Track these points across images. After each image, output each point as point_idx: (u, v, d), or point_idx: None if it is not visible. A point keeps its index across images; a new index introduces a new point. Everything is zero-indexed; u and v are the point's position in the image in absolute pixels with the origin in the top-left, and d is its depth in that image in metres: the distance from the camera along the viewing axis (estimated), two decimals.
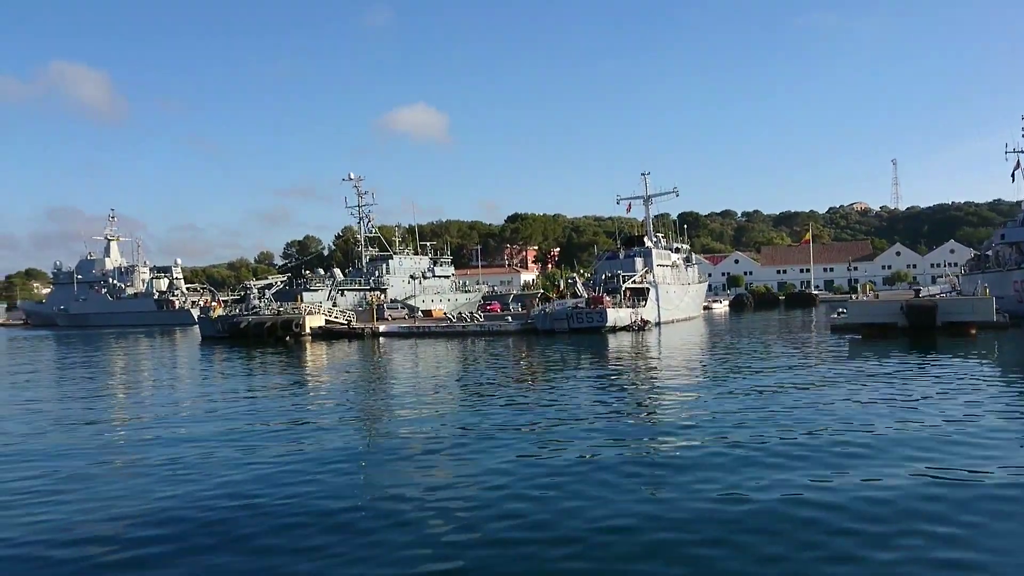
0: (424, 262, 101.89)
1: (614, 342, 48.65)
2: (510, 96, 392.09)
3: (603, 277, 67.40)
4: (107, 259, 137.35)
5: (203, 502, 13.38)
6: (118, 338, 78.86)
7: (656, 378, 29.21)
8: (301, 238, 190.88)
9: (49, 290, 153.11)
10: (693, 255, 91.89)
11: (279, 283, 79.24)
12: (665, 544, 10.45)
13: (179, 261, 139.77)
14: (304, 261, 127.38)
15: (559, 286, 76.57)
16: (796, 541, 10.38)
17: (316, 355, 46.81)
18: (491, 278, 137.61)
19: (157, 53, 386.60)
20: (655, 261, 71.07)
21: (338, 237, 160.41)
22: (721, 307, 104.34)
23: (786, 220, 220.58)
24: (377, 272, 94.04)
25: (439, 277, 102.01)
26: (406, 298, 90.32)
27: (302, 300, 75.12)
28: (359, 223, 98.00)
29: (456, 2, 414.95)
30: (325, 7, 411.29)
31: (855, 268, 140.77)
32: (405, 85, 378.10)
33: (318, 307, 70.74)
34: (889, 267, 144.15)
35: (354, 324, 66.67)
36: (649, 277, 67.99)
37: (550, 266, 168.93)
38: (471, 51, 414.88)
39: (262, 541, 11.29)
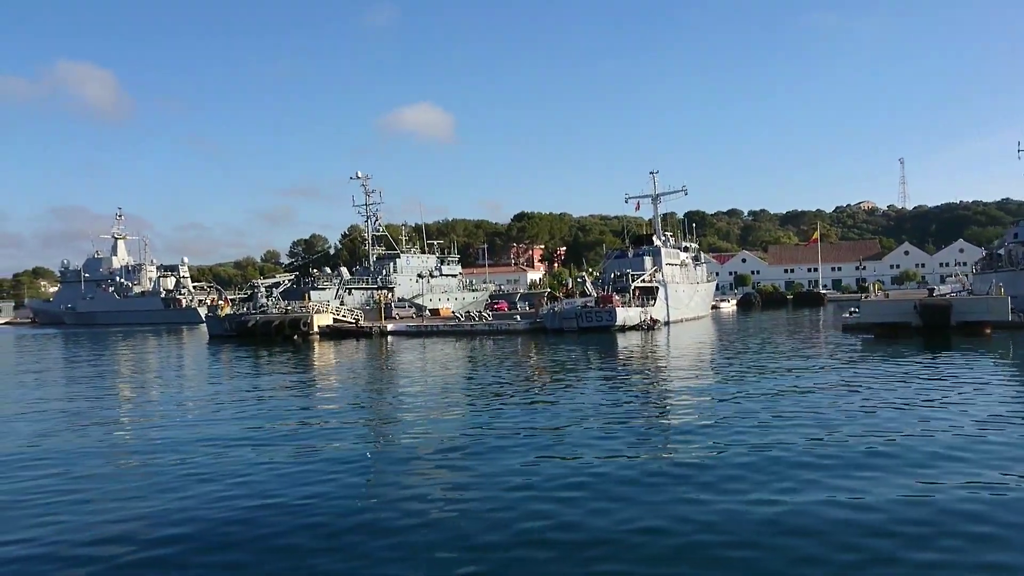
0: (431, 261, 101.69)
1: (624, 341, 48.38)
2: (514, 95, 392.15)
3: (612, 276, 67.05)
4: (114, 258, 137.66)
5: (221, 503, 13.20)
6: (125, 337, 78.86)
7: (671, 378, 28.91)
8: (307, 237, 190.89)
9: (56, 288, 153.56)
10: (702, 254, 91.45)
11: (286, 282, 79.15)
12: (698, 546, 10.21)
13: (186, 260, 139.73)
14: (311, 260, 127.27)
15: (568, 285, 76.31)
16: (833, 543, 10.12)
17: (325, 354, 46.66)
18: (497, 277, 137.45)
19: (160, 52, 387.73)
20: (664, 260, 70.72)
21: (344, 236, 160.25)
22: (729, 306, 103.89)
23: (793, 219, 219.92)
24: (384, 271, 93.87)
25: (446, 276, 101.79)
26: (413, 297, 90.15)
27: (309, 299, 74.94)
28: (366, 221, 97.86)
29: (459, 1, 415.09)
30: (327, 6, 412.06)
31: (863, 267, 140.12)
32: (408, 85, 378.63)
33: (326, 306, 70.57)
34: (897, 266, 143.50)
35: (362, 323, 66.52)
36: (658, 276, 67.67)
37: (556, 265, 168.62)
38: (474, 50, 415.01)
39: (285, 540, 11.10)
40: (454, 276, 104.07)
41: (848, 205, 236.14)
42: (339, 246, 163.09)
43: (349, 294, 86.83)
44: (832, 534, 10.46)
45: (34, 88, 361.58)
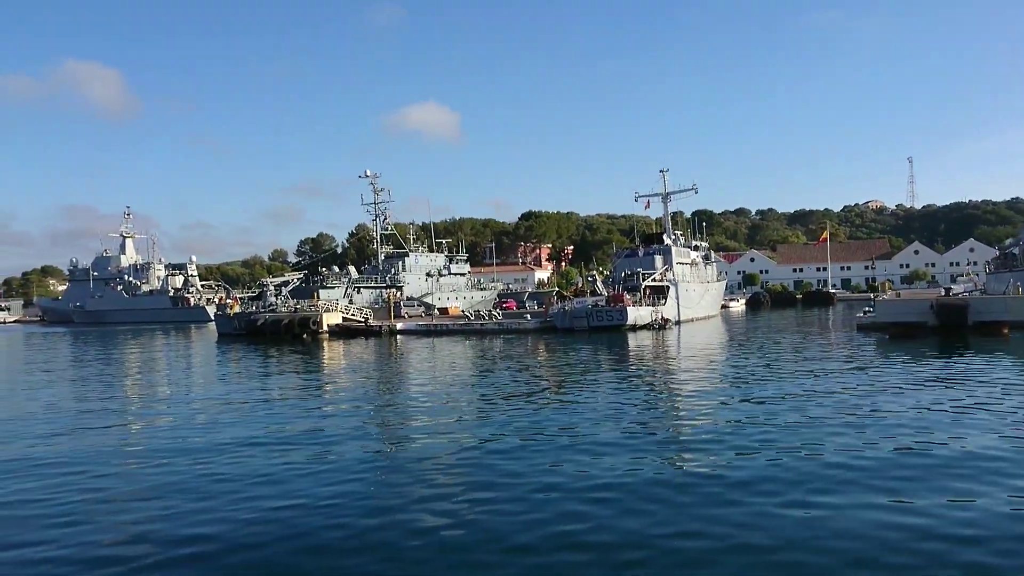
0: (440, 260, 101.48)
1: (636, 341, 48.06)
2: (519, 94, 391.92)
3: (622, 275, 66.70)
4: (122, 256, 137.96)
5: (244, 503, 13.04)
6: (134, 335, 78.87)
7: (690, 379, 28.48)
8: (314, 236, 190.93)
9: (65, 287, 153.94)
10: (711, 253, 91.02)
11: (295, 281, 79.08)
12: (736, 549, 9.95)
13: (194, 258, 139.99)
14: (319, 259, 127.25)
15: (578, 284, 76.02)
16: (875, 547, 9.85)
17: (335, 353, 46.50)
18: (505, 276, 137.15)
19: (166, 52, 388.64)
20: (674, 259, 70.34)
21: (352, 235, 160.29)
22: (738, 306, 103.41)
23: (800, 218, 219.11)
24: (393, 270, 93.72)
25: (455, 275, 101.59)
26: (422, 296, 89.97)
27: (318, 298, 74.89)
28: (375, 220, 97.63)
29: (463, 1, 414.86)
30: (332, 6, 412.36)
31: (873, 267, 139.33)
32: (413, 84, 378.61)
33: (335, 305, 70.44)
34: (907, 266, 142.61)
35: (371, 322, 66.37)
36: (669, 275, 67.33)
37: (564, 264, 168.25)
38: (479, 49, 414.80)
39: (311, 541, 10.91)
40: (463, 275, 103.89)
41: (856, 204, 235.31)
42: (346, 245, 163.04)
43: (358, 293, 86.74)
44: (873, 538, 10.19)
45: (41, 87, 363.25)
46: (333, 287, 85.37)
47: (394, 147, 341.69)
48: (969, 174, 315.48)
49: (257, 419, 21.86)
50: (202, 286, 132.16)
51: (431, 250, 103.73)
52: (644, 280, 63.75)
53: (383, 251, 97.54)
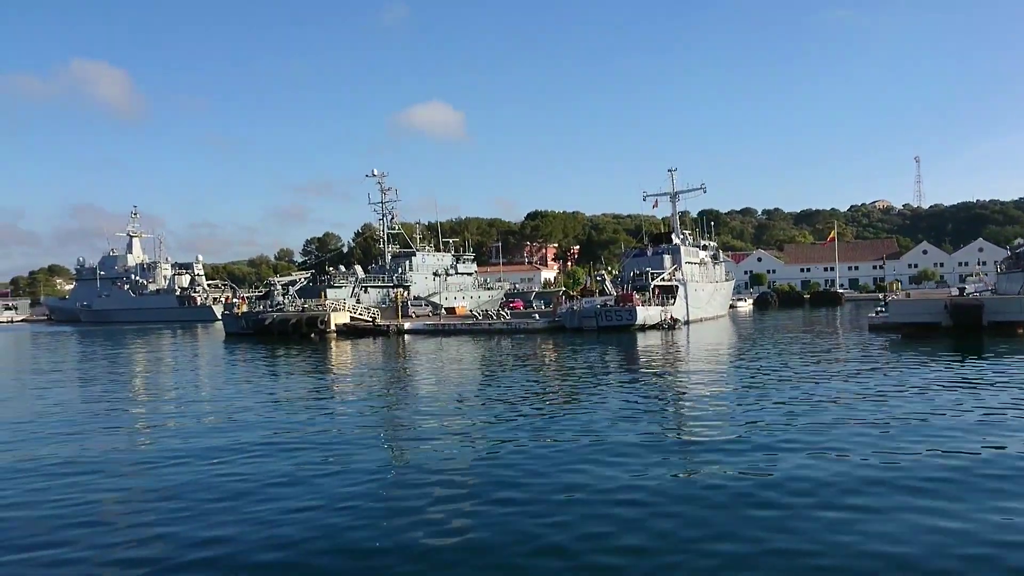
0: (447, 259, 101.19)
1: (646, 341, 47.75)
2: (524, 94, 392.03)
3: (631, 274, 66.40)
4: (129, 255, 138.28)
5: (261, 503, 12.84)
6: (141, 335, 78.87)
7: (705, 380, 27.97)
8: (320, 235, 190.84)
9: (72, 286, 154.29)
10: (720, 252, 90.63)
11: (303, 280, 78.93)
12: (777, 553, 9.70)
13: (200, 258, 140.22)
14: (325, 259, 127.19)
15: (587, 283, 75.71)
16: (918, 546, 9.57)
17: (344, 353, 46.27)
18: (511, 275, 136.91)
19: (172, 51, 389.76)
20: (683, 258, 69.99)
21: (358, 234, 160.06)
22: (745, 306, 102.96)
23: (807, 218, 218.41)
24: (400, 269, 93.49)
25: (462, 274, 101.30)
26: (429, 295, 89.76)
27: (325, 297, 74.74)
28: (382, 219, 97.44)
29: (469, 0, 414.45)
30: (338, 5, 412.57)
31: (881, 267, 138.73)
32: (420, 83, 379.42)
33: (342, 304, 70.29)
34: (915, 266, 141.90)
35: (379, 321, 66.19)
36: (678, 275, 66.99)
37: (570, 264, 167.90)
38: (485, 49, 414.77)
39: (335, 542, 10.69)
40: (469, 274, 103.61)
41: (863, 204, 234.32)
42: (352, 244, 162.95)
43: (365, 292, 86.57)
44: (914, 541, 9.92)
45: (48, 87, 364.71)
46: (340, 286, 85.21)
47: (399, 147, 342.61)
48: (976, 174, 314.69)
49: (271, 420, 21.68)
50: (208, 285, 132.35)
51: (438, 249, 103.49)
52: (653, 280, 63.45)
53: (390, 250, 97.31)
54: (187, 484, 14.34)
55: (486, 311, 74.83)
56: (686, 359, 36.30)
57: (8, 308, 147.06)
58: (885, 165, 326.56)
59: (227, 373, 36.64)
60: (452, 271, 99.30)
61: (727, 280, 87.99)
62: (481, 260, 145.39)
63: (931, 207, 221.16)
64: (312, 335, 61.63)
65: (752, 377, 28.02)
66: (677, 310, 62.03)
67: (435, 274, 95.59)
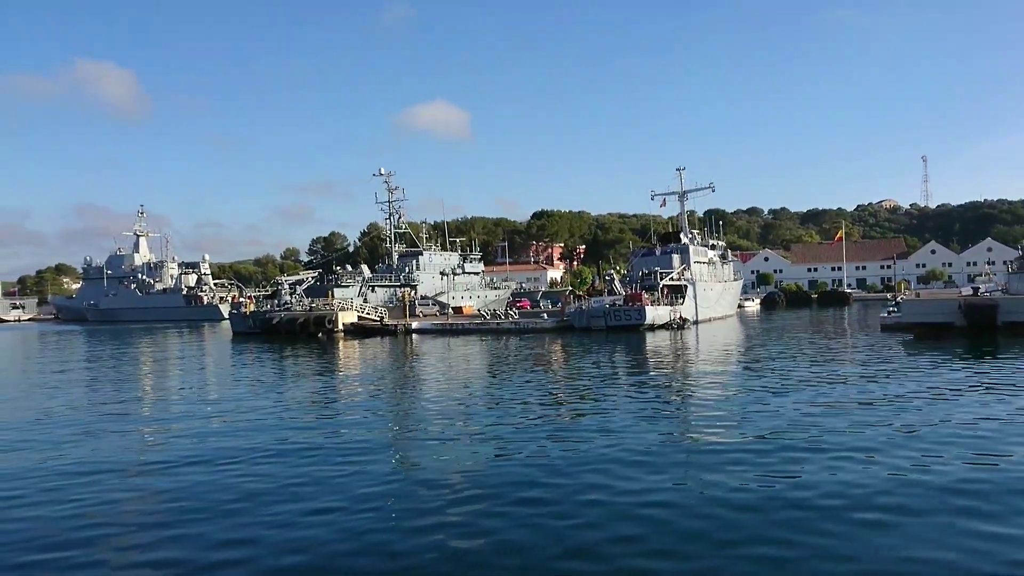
0: (454, 258, 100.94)
1: (656, 341, 47.47)
2: (529, 93, 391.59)
3: (640, 274, 66.12)
4: (136, 255, 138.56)
5: (278, 504, 12.65)
6: (148, 334, 78.92)
7: (720, 382, 27.52)
8: (325, 235, 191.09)
9: (79, 285, 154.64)
10: (728, 252, 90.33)
11: (310, 279, 78.85)
12: (818, 557, 9.49)
13: (207, 257, 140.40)
14: (332, 258, 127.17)
15: (595, 283, 75.46)
16: (961, 552, 9.34)
17: (353, 353, 46.10)
18: (517, 275, 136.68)
19: (176, 51, 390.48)
20: (692, 258, 69.70)
21: (364, 234, 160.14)
22: (753, 305, 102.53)
23: (813, 218, 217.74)
24: (407, 268, 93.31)
25: (469, 274, 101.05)
26: (436, 294, 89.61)
27: (332, 296, 74.66)
28: (388, 218, 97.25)
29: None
30: (342, 4, 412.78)
31: (888, 267, 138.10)
32: (424, 82, 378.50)
33: (350, 303, 70.18)
34: (923, 265, 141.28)
35: (387, 321, 66.05)
36: (687, 274, 66.70)
37: (575, 263, 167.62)
38: (489, 48, 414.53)
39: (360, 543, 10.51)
40: (476, 274, 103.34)
41: (870, 204, 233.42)
42: (358, 244, 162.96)
43: (372, 291, 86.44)
44: (956, 547, 9.69)
45: (54, 87, 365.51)
46: (347, 286, 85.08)
47: (404, 146, 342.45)
48: (984, 173, 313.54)
49: (285, 421, 21.53)
50: (215, 285, 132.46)
51: (444, 249, 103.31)
52: (662, 279, 63.19)
53: (397, 250, 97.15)
54: (203, 484, 14.21)
55: (494, 311, 74.64)
56: (699, 360, 36.01)
57: (15, 307, 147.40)
58: (890, 164, 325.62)
59: (237, 373, 36.46)
60: (459, 271, 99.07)
61: (735, 280, 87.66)
62: (487, 260, 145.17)
63: (938, 206, 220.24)
64: (320, 335, 61.53)
65: (769, 378, 27.62)
66: (686, 310, 61.75)
67: (442, 274, 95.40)
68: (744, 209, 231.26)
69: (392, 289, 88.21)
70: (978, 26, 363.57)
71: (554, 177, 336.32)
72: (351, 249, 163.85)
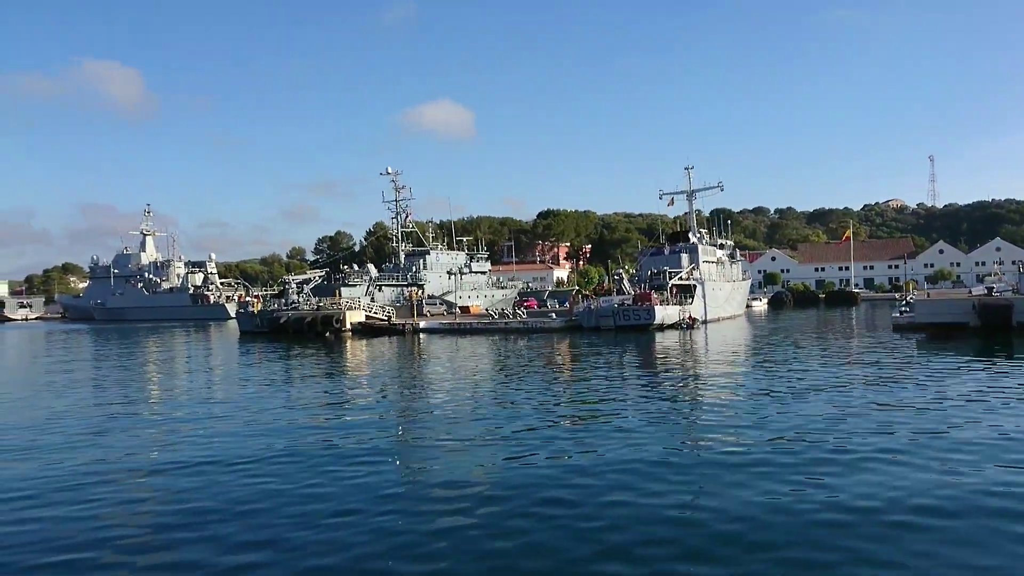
0: (461, 258, 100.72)
1: (666, 341, 47.21)
2: (534, 92, 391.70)
3: (648, 273, 65.85)
4: (143, 254, 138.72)
5: (294, 506, 12.50)
6: (155, 333, 78.90)
7: (738, 384, 27.07)
8: (331, 234, 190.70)
9: (86, 284, 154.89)
10: (737, 251, 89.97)
11: (317, 278, 78.74)
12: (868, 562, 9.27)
13: (213, 256, 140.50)
14: (338, 257, 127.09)
15: (604, 282, 75.23)
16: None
17: (362, 353, 45.92)
18: (523, 274, 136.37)
19: (182, 51, 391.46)
20: (701, 257, 69.37)
21: (370, 233, 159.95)
22: (760, 305, 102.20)
23: (820, 217, 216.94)
24: (414, 268, 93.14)
25: (476, 273, 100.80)
26: (443, 294, 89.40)
27: (340, 296, 74.56)
28: (395, 217, 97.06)
29: None
30: (346, 4, 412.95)
31: (896, 267, 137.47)
32: (428, 81, 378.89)
33: (357, 303, 70.05)
34: (932, 265, 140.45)
35: (394, 320, 65.91)
36: (695, 274, 66.41)
37: (581, 263, 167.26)
38: (494, 47, 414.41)
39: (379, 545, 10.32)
40: (483, 273, 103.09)
41: (876, 203, 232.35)
42: (364, 243, 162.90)
43: (379, 291, 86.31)
44: (1002, 554, 9.45)
45: (60, 86, 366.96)
46: (354, 285, 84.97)
47: (409, 145, 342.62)
48: (992, 172, 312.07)
49: (298, 422, 21.37)
50: (221, 284, 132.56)
51: (451, 248, 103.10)
52: (671, 279, 62.90)
53: (404, 249, 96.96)
54: (220, 485, 14.09)
55: (502, 310, 74.44)
56: (713, 360, 35.66)
57: (22, 306, 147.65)
58: (896, 164, 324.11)
59: (248, 373, 36.31)
60: (466, 270, 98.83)
61: (743, 279, 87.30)
62: (493, 259, 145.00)
63: (945, 206, 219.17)
64: (327, 334, 61.42)
65: (786, 380, 27.18)
66: (695, 309, 61.48)
67: (449, 273, 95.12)
68: (750, 209, 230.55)
69: (399, 288, 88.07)
70: (980, 25, 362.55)
71: (559, 176, 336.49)
72: (357, 248, 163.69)
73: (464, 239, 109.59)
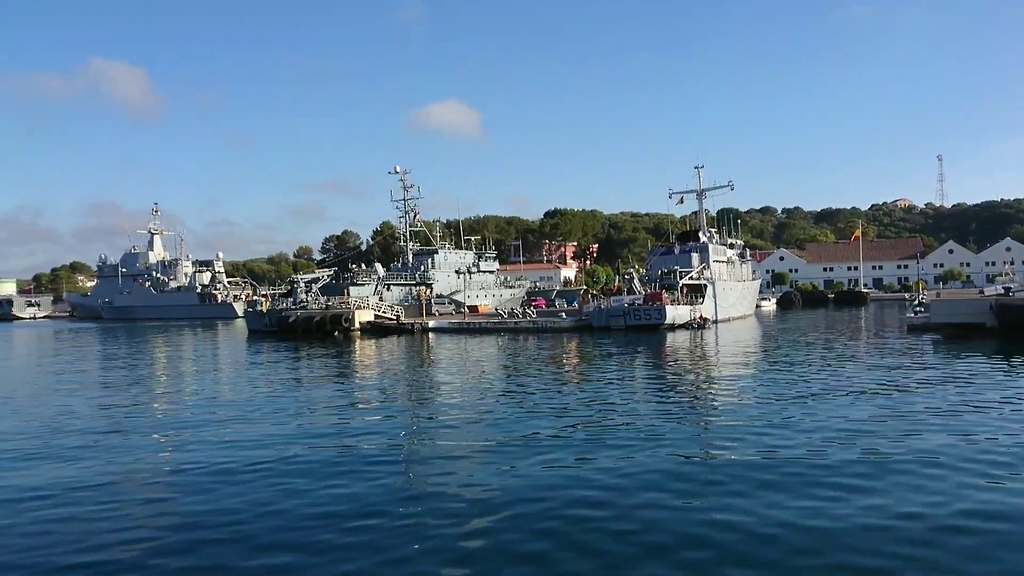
0: (469, 257, 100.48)
1: (677, 341, 46.90)
2: (539, 93, 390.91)
3: (659, 273, 65.51)
4: (150, 253, 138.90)
5: (313, 507, 12.27)
6: (164, 332, 78.88)
7: (758, 386, 26.55)
8: (338, 233, 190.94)
9: (93, 283, 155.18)
10: (746, 251, 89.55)
11: (325, 278, 78.63)
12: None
13: (221, 255, 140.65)
14: (346, 257, 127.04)
15: (615, 282, 74.94)
16: None
17: (372, 353, 45.68)
18: (531, 274, 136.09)
19: (189, 50, 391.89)
20: (711, 257, 69.01)
21: (377, 232, 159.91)
22: (769, 305, 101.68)
23: (827, 217, 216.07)
24: (423, 267, 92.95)
25: (484, 272, 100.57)
26: (451, 293, 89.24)
27: (348, 295, 74.42)
28: (404, 216, 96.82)
29: None
30: (352, 5, 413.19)
31: (906, 267, 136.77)
32: (435, 82, 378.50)
33: (366, 302, 69.91)
34: (941, 265, 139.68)
35: (403, 320, 65.76)
36: (706, 273, 66.05)
37: (588, 263, 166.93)
38: (500, 47, 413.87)
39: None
40: (491, 272, 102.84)
41: (884, 203, 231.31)
42: (371, 242, 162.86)
43: (388, 290, 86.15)
44: None
45: (68, 86, 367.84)
46: (363, 284, 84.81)
47: (415, 145, 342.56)
48: (1000, 172, 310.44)
49: (317, 425, 21.06)
50: (229, 283, 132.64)
51: (458, 247, 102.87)
52: (681, 278, 62.56)
53: (412, 248, 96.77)
54: (237, 487, 13.88)
55: (511, 309, 74.21)
56: (729, 362, 34.91)
57: (31, 305, 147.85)
58: (903, 164, 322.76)
59: (261, 374, 35.85)
60: (474, 269, 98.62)
61: (753, 279, 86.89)
62: (500, 258, 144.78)
63: (954, 206, 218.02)
64: (336, 333, 61.30)
65: (805, 382, 26.44)
66: (705, 309, 61.14)
67: (457, 272, 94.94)
68: (757, 208, 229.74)
69: (407, 288, 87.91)
70: (988, 25, 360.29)
71: (565, 176, 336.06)
72: (364, 248, 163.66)
73: (472, 238, 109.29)
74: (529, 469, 14.54)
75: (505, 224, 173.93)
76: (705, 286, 63.94)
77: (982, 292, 61.12)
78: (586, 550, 9.98)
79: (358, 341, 55.27)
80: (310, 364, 39.39)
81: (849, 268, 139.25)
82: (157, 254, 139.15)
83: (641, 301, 58.17)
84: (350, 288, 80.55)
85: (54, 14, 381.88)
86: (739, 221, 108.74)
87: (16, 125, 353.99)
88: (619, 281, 71.33)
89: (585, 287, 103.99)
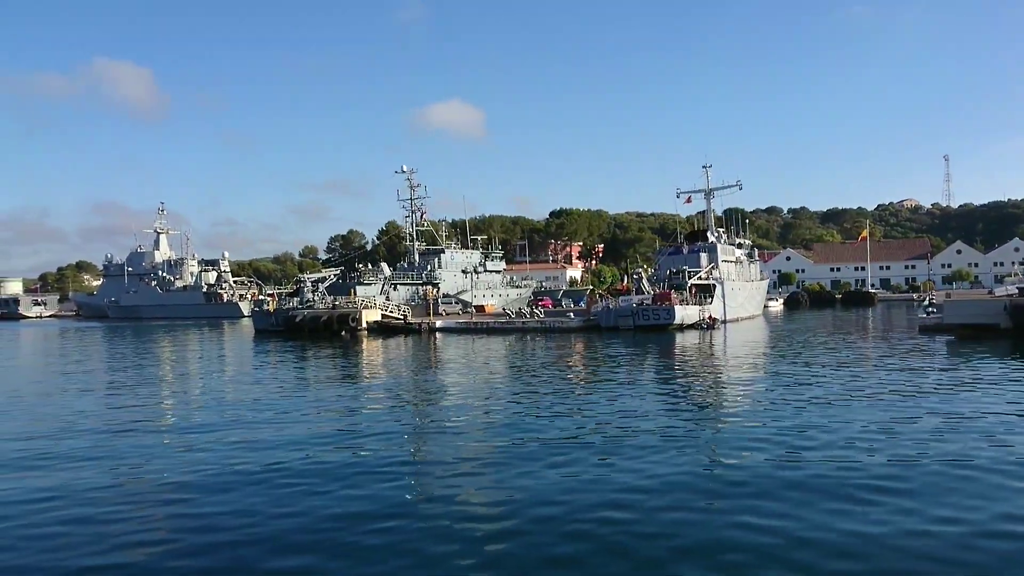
0: (476, 256, 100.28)
1: (686, 341, 46.62)
2: (543, 92, 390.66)
3: (667, 273, 65.22)
4: (156, 252, 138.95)
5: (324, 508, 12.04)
6: (170, 332, 78.81)
7: (773, 388, 26.10)
8: (343, 233, 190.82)
9: (100, 282, 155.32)
10: (755, 251, 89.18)
11: (332, 277, 78.49)
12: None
13: (227, 254, 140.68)
14: (352, 256, 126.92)
15: (623, 282, 74.67)
16: None
17: (380, 353, 45.51)
18: (536, 274, 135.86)
19: (193, 50, 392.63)
20: (720, 257, 68.73)
21: (382, 232, 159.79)
22: (776, 305, 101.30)
23: (833, 217, 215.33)
24: (429, 266, 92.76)
25: (491, 272, 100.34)
26: (458, 293, 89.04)
27: (355, 294, 74.27)
28: (409, 216, 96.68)
29: None
30: (355, 4, 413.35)
31: (913, 267, 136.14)
32: (438, 81, 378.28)
33: (372, 301, 69.74)
34: (949, 266, 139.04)
35: (410, 319, 65.55)
36: (715, 273, 65.75)
37: (594, 262, 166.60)
38: (503, 47, 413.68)
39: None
40: (498, 272, 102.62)
41: (890, 203, 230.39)
42: (377, 242, 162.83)
43: (394, 290, 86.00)
44: None
45: (72, 85, 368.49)
46: (370, 284, 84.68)
47: (416, 145, 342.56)
48: (1007, 172, 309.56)
49: (330, 432, 20.50)
50: (234, 282, 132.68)
51: (465, 247, 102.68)
52: (689, 278, 62.26)
53: (418, 248, 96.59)
54: (261, 486, 13.65)
55: (519, 309, 73.98)
56: (742, 364, 34.33)
57: (37, 304, 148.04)
58: (909, 164, 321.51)
59: (269, 375, 35.54)
60: (481, 269, 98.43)
61: (761, 279, 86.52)
62: (506, 258, 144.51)
63: (960, 206, 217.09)
64: (343, 332, 61.11)
65: (821, 385, 25.85)
66: (714, 309, 60.81)
67: (464, 272, 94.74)
68: (763, 208, 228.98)
69: (414, 287, 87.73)
70: (994, 24, 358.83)
71: (568, 176, 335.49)
72: (369, 247, 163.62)
73: (478, 238, 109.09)
74: (548, 471, 14.30)
75: (511, 224, 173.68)
76: (714, 286, 63.64)
77: (991, 293, 60.72)
78: (615, 551, 9.77)
79: (365, 341, 55.09)
80: (318, 364, 39.21)
81: (856, 268, 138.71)
82: (163, 253, 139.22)
83: (650, 301, 57.89)
84: (356, 288, 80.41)
85: (54, 14, 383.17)
86: (745, 220, 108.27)
87: (17, 125, 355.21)
88: (627, 281, 70.95)
89: (592, 287, 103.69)
